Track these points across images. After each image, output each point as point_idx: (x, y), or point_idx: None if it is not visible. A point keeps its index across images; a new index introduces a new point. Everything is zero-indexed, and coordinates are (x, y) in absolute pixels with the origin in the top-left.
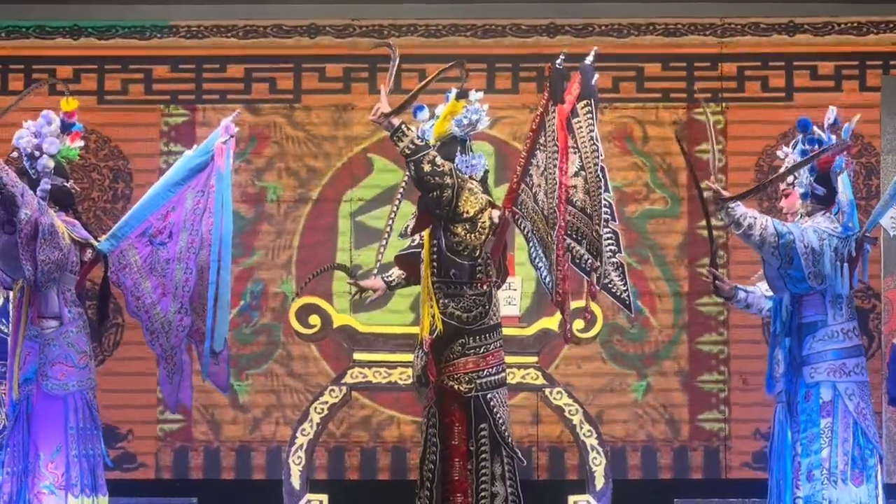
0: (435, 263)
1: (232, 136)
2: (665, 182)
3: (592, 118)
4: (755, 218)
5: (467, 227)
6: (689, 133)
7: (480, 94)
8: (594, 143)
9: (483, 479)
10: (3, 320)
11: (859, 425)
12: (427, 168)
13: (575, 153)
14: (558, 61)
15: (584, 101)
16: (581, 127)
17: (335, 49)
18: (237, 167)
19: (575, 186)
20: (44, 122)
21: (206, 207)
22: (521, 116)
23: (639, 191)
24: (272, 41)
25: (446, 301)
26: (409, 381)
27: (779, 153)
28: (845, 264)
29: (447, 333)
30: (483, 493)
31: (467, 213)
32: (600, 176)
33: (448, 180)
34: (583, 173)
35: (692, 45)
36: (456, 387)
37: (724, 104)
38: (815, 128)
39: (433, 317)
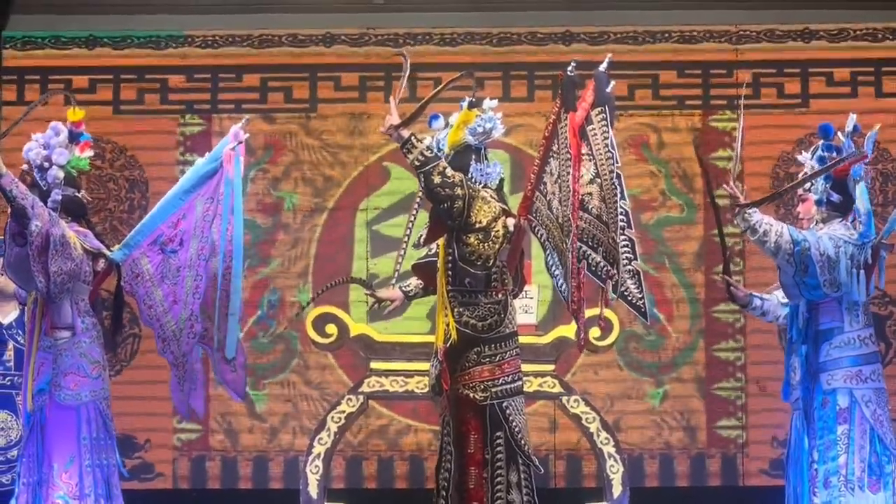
0: (450, 272)
1: (240, 143)
2: (681, 189)
3: (607, 125)
4: (771, 225)
5: (480, 236)
6: (704, 140)
7: (495, 103)
8: (609, 151)
9: (498, 487)
10: (20, 332)
11: (876, 432)
12: (437, 179)
13: (590, 160)
14: (570, 69)
15: (599, 109)
16: (596, 134)
17: (351, 58)
18: (253, 176)
19: (590, 194)
20: (52, 133)
21: (215, 214)
22: (536, 124)
23: (654, 198)
24: (287, 50)
25: (461, 310)
26: (426, 389)
27: (799, 157)
28: (861, 271)
29: (462, 342)
30: (499, 502)
31: (480, 222)
32: (616, 183)
33: (458, 191)
34: (598, 181)
35: (707, 53)
36: (471, 395)
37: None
38: (838, 134)
39: (448, 325)
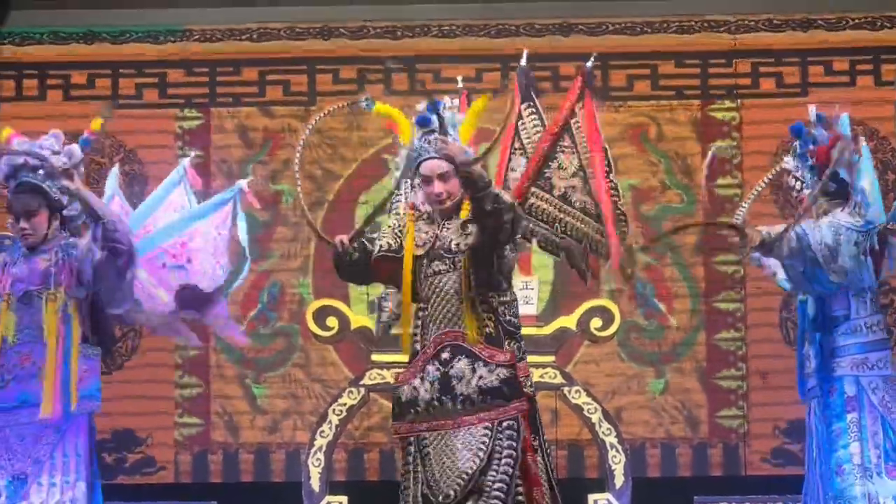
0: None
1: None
2: (680, 179)
3: (538, 117)
4: (780, 234)
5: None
6: (703, 130)
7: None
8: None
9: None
10: None
11: (886, 419)
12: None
13: (573, 153)
14: (522, 65)
15: (527, 104)
16: (526, 128)
17: (349, 51)
18: (252, 169)
19: (573, 187)
20: (55, 140)
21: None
22: None
23: (654, 188)
24: (286, 43)
25: (503, 309)
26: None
27: (784, 165)
28: (868, 257)
29: (505, 338)
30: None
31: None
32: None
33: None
34: (581, 173)
35: (706, 43)
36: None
37: (738, 101)
38: (810, 130)
39: (483, 323)
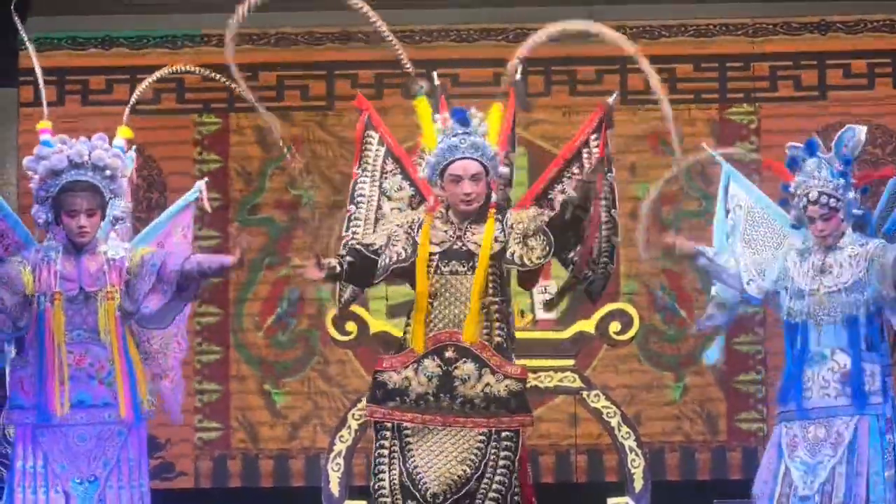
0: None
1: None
2: (698, 183)
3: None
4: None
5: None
6: (722, 134)
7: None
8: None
9: None
10: None
11: None
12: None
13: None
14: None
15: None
16: (591, 158)
17: (367, 55)
18: (271, 174)
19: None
20: (104, 141)
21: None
22: (553, 119)
23: (672, 191)
24: (304, 48)
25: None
26: None
27: (809, 181)
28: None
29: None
30: None
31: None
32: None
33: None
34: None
35: (724, 46)
36: None
37: (757, 104)
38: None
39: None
